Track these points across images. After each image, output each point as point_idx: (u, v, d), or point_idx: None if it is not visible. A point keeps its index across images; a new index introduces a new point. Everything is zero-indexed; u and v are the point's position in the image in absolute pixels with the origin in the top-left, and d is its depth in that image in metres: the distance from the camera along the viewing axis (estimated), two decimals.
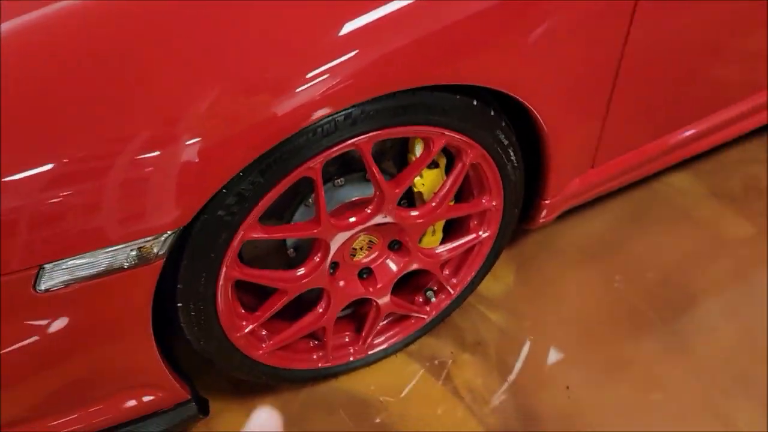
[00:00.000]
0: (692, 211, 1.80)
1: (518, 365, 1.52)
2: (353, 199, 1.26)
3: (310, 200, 1.25)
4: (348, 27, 1.00)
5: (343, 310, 1.42)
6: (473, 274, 1.48)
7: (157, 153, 0.96)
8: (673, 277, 1.66)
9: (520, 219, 1.56)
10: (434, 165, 1.31)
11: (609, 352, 1.53)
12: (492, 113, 1.21)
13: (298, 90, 0.98)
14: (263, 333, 1.33)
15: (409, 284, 1.52)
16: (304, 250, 1.30)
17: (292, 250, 1.31)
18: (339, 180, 1.26)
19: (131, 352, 1.17)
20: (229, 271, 1.14)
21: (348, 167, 1.27)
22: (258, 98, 0.99)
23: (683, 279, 1.66)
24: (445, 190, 1.28)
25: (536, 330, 1.58)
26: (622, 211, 1.82)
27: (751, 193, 1.84)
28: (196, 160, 0.97)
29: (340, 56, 1.00)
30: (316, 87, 0.99)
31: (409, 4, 1.03)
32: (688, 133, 1.64)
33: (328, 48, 1.00)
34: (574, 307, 1.63)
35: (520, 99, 1.19)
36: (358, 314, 1.49)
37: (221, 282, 1.15)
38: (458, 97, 1.15)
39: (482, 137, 1.22)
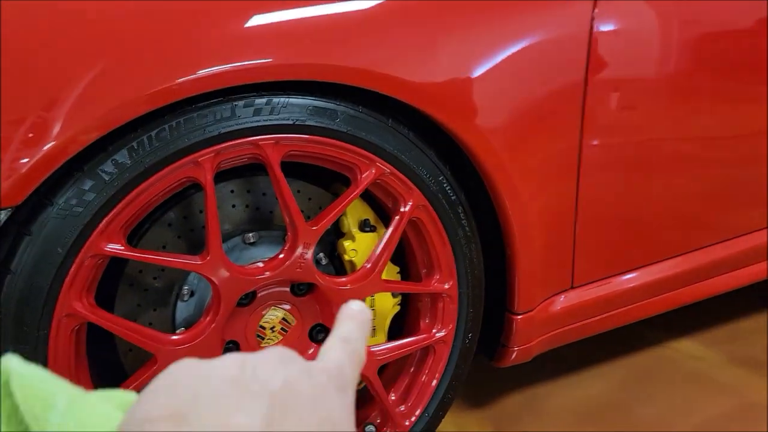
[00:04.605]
0: (711, 376, 1.46)
1: None
2: (266, 259, 1.00)
3: (184, 290, 0.99)
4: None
5: None
6: (427, 401, 1.12)
7: None
8: None
9: (489, 352, 1.25)
10: (370, 228, 1.07)
11: None
12: (434, 156, 1.03)
13: None
14: None
15: None
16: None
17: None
18: (251, 235, 1.02)
19: None
20: (70, 301, 0.84)
21: (264, 224, 1.04)
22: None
23: None
24: (381, 246, 1.02)
25: None
26: (623, 374, 1.48)
27: None
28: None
29: None
30: None
31: None
32: (674, 270, 1.39)
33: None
34: None
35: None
36: None
37: (58, 316, 0.84)
38: (390, 121, 0.98)
39: (422, 180, 1.01)
